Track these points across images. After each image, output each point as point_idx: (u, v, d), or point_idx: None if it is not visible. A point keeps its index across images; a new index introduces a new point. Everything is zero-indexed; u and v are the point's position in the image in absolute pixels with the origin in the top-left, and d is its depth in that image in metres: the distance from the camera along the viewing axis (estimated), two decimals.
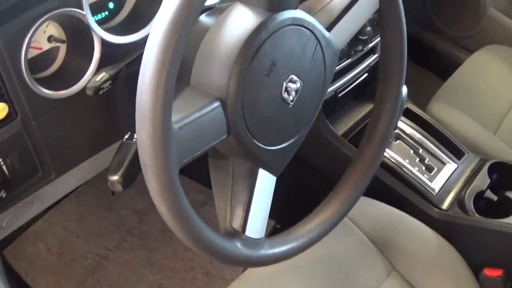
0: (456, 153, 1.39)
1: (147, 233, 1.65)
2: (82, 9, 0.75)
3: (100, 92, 0.75)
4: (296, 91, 0.72)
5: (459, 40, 2.09)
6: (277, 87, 0.70)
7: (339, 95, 1.39)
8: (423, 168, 1.31)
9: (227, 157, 0.74)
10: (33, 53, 0.80)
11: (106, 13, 0.89)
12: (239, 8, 0.69)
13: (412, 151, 1.34)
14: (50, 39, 0.81)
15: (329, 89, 1.33)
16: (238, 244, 0.70)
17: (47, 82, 0.79)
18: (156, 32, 0.54)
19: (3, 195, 0.75)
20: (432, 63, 2.09)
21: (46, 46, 0.81)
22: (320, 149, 1.37)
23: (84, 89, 0.79)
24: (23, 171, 0.79)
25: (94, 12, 0.85)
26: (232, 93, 0.64)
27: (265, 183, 0.76)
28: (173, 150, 0.57)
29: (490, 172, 1.31)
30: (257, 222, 0.73)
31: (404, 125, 1.40)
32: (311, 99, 0.77)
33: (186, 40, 0.55)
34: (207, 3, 0.88)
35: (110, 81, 0.76)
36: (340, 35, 0.79)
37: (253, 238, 0.72)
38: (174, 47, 0.53)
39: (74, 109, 0.82)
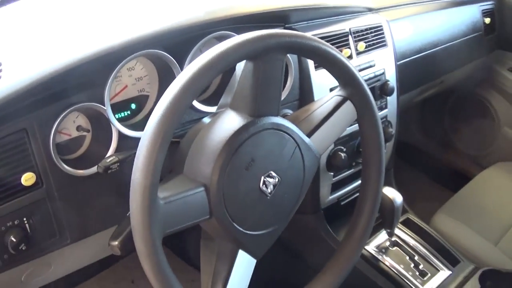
0: (451, 260, 1.44)
1: None
2: (104, 104, 0.92)
3: (109, 171, 0.89)
4: (274, 185, 0.84)
5: (473, 157, 2.21)
6: (255, 180, 0.82)
7: (342, 203, 1.51)
8: (417, 273, 1.38)
9: (214, 238, 0.85)
10: (63, 138, 0.96)
11: (129, 112, 1.06)
12: (228, 112, 0.84)
13: (408, 257, 1.42)
14: (78, 128, 0.98)
15: (331, 197, 1.46)
16: None
17: (74, 163, 0.94)
18: (149, 127, 0.69)
19: (23, 248, 0.88)
20: (446, 178, 2.19)
21: (75, 133, 0.98)
22: (320, 252, 1.46)
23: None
24: (43, 232, 0.92)
25: (118, 111, 1.03)
26: (214, 181, 0.77)
27: (245, 263, 0.86)
28: (157, 220, 0.70)
29: (482, 279, 1.36)
30: None
31: (403, 234, 1.49)
32: (289, 195, 0.89)
33: (170, 138, 0.69)
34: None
35: (118, 164, 0.91)
36: (320, 141, 0.91)
37: None
38: (162, 139, 0.68)
39: (91, 186, 0.95)
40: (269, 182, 0.83)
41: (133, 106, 1.07)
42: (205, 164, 0.78)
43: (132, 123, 1.05)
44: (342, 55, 0.87)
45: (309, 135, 0.89)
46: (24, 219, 0.89)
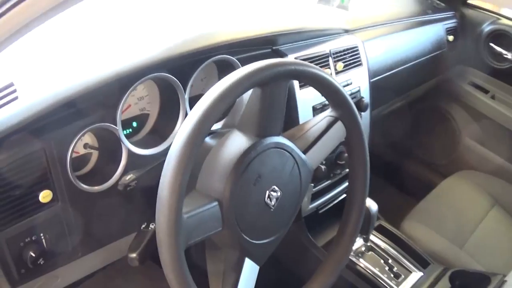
0: (422, 263, 1.57)
1: None
2: (116, 124, 0.99)
3: (128, 189, 0.97)
4: (277, 199, 0.93)
5: (436, 166, 2.34)
6: (262, 194, 0.91)
7: (320, 211, 1.62)
8: (391, 275, 1.50)
9: (221, 248, 0.93)
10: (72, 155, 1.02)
11: (130, 130, 1.13)
12: (236, 133, 0.93)
13: (382, 261, 1.53)
14: (85, 146, 1.04)
15: (311, 206, 1.56)
16: None
17: (81, 179, 0.99)
18: (175, 150, 0.76)
19: (41, 262, 0.94)
20: (409, 187, 2.33)
21: (82, 151, 1.04)
22: (301, 258, 1.57)
23: (112, 186, 1.00)
24: (58, 247, 0.97)
25: (122, 129, 1.09)
26: (227, 196, 0.85)
27: (250, 270, 0.94)
28: (182, 233, 0.77)
29: (452, 279, 1.48)
30: None
31: (376, 239, 1.61)
32: (289, 206, 0.98)
33: (194, 158, 0.76)
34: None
35: (136, 181, 0.98)
36: (314, 157, 1.00)
37: None
38: (187, 160, 0.75)
39: (103, 202, 1.01)
40: (273, 196, 0.92)
41: (134, 124, 1.14)
42: (218, 181, 0.86)
43: (134, 140, 1.12)
44: (335, 80, 0.96)
45: (304, 152, 0.98)
46: (41, 234, 0.94)
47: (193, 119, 0.77)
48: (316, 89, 0.98)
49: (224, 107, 0.79)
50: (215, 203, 0.84)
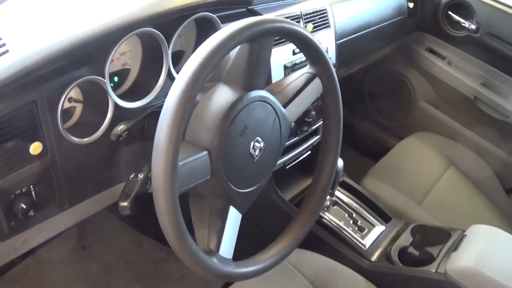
0: (384, 217, 1.67)
1: (113, 284, 1.82)
2: (104, 77, 1.01)
3: (120, 139, 0.99)
4: (260, 149, 0.98)
5: (392, 128, 2.44)
6: (247, 145, 0.96)
7: (287, 167, 1.68)
8: (356, 228, 1.58)
9: (205, 197, 0.96)
10: None
11: (112, 84, 1.13)
12: (222, 86, 0.96)
13: (347, 215, 1.62)
14: (70, 100, 1.05)
15: (279, 162, 1.60)
16: (214, 259, 0.91)
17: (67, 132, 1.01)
18: (172, 100, 0.78)
19: (32, 214, 0.95)
20: (366, 148, 2.43)
21: (66, 105, 1.05)
22: (268, 209, 1.63)
23: (99, 138, 1.02)
24: (46, 199, 0.99)
25: None
26: (216, 146, 0.89)
27: (234, 217, 0.99)
28: (177, 181, 0.80)
29: (413, 233, 1.58)
30: (227, 246, 0.95)
31: (341, 194, 1.70)
32: (270, 157, 1.03)
33: (192, 107, 0.79)
34: None
35: (126, 132, 1.00)
36: (293, 111, 1.06)
37: (224, 258, 0.94)
38: (185, 110, 0.78)
39: (90, 153, 1.03)
40: (257, 147, 0.97)
41: (115, 79, 1.15)
42: (207, 132, 0.90)
43: (116, 95, 1.13)
44: (315, 38, 1.01)
45: (284, 106, 1.03)
46: (31, 186, 0.96)
47: (190, 70, 0.80)
48: (297, 46, 1.02)
49: (218, 60, 0.82)
50: (205, 153, 0.88)
